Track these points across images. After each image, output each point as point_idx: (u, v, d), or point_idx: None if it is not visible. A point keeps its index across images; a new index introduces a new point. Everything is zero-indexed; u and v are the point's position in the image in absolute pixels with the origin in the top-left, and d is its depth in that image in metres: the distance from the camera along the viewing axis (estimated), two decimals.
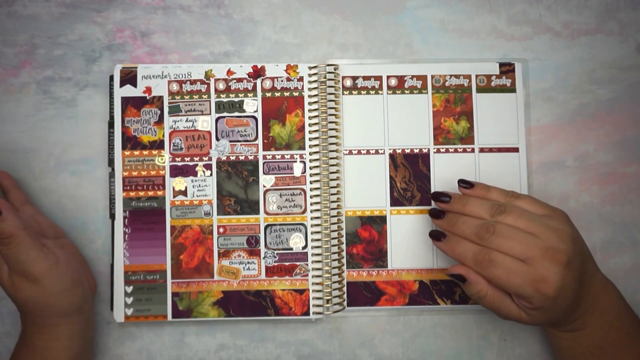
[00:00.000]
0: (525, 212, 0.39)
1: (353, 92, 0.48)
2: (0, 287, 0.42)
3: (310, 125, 0.47)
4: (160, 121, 0.47)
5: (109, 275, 0.47)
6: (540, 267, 0.37)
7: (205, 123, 0.47)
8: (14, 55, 0.48)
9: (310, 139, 0.47)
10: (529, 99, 0.48)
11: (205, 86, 0.48)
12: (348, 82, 0.48)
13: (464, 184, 0.43)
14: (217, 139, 0.47)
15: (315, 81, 0.47)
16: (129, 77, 0.47)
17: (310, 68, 0.48)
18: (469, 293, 0.40)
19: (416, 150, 0.48)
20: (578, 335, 0.41)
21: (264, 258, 0.46)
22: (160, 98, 0.47)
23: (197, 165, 0.47)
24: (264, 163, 0.47)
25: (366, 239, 0.47)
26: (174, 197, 0.47)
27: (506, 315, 0.40)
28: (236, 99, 0.48)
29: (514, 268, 0.37)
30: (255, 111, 0.48)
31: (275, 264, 0.46)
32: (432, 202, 0.44)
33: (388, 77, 0.48)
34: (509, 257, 0.37)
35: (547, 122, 0.49)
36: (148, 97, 0.47)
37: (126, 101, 0.47)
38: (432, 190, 0.46)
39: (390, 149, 0.48)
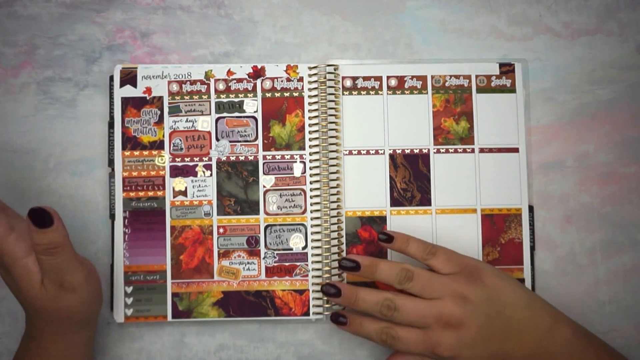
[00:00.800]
0: (433, 276, 0.41)
1: (353, 92, 0.48)
2: (25, 297, 0.40)
3: (310, 125, 0.47)
4: (160, 121, 0.47)
5: (109, 275, 0.47)
6: (434, 333, 0.40)
7: (205, 123, 0.47)
8: (14, 56, 0.48)
9: (310, 139, 0.47)
10: (529, 99, 0.48)
11: (205, 86, 0.48)
12: (348, 83, 0.48)
13: (383, 236, 0.43)
14: (217, 139, 0.47)
15: (315, 81, 0.47)
16: (129, 78, 0.47)
17: (310, 68, 0.48)
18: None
19: (416, 151, 0.48)
20: None
21: (264, 258, 0.47)
22: (160, 98, 0.47)
23: (197, 165, 0.47)
24: (264, 163, 0.47)
25: (366, 239, 0.47)
26: (174, 197, 0.47)
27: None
28: (236, 99, 0.48)
29: (412, 339, 0.40)
30: (255, 111, 0.48)
31: (275, 264, 0.46)
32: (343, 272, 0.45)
33: (388, 77, 0.48)
34: (408, 329, 0.41)
35: (547, 122, 0.49)
36: (148, 98, 0.47)
37: (126, 101, 0.47)
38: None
39: (390, 149, 0.48)
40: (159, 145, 0.47)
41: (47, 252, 0.37)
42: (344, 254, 0.47)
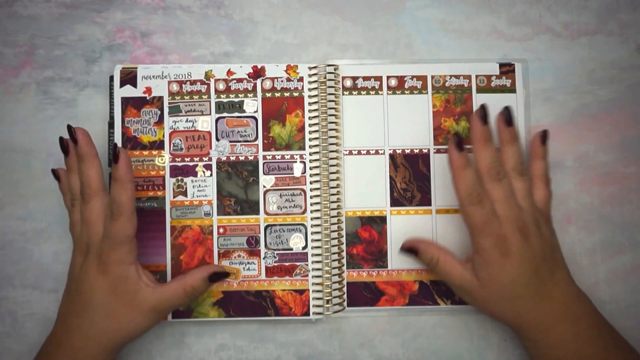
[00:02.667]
0: (531, 194, 0.42)
1: (353, 92, 0.48)
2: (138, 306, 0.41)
3: (310, 125, 0.47)
4: (160, 121, 0.47)
5: None
6: (510, 231, 0.40)
7: (205, 123, 0.47)
8: (14, 56, 0.48)
9: (310, 139, 0.47)
10: (529, 100, 0.48)
11: (205, 86, 0.48)
12: (348, 83, 0.48)
13: (506, 115, 0.42)
14: (217, 140, 0.47)
15: (315, 81, 0.47)
16: (129, 78, 0.47)
17: (310, 68, 0.48)
18: (422, 261, 0.44)
19: (416, 151, 0.48)
20: (554, 349, 0.40)
21: (264, 258, 0.47)
22: (160, 98, 0.47)
23: (197, 165, 0.47)
24: (264, 163, 0.47)
25: (366, 239, 0.47)
26: (174, 197, 0.47)
27: (459, 282, 0.42)
28: (236, 100, 0.48)
29: (490, 219, 0.40)
30: (255, 111, 0.48)
31: (275, 264, 0.46)
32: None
33: (388, 77, 0.48)
34: (491, 208, 0.40)
35: (547, 122, 0.49)
36: (148, 98, 0.47)
37: (126, 101, 0.47)
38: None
39: (390, 149, 0.48)
40: (159, 145, 0.47)
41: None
42: (344, 254, 0.47)
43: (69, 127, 0.41)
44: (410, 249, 0.45)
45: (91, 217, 0.41)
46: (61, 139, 0.42)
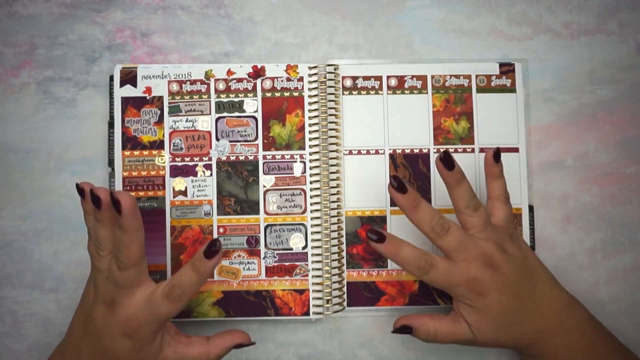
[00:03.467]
0: (468, 233, 0.40)
1: (353, 92, 0.48)
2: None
3: (310, 125, 0.47)
4: (160, 121, 0.47)
5: None
6: (472, 268, 0.39)
7: (205, 123, 0.47)
8: (14, 55, 0.48)
9: (310, 139, 0.47)
10: (529, 99, 0.48)
11: (205, 86, 0.48)
12: (348, 82, 0.48)
13: (445, 160, 0.40)
14: (217, 139, 0.47)
15: (315, 81, 0.47)
16: (129, 77, 0.47)
17: (310, 68, 0.48)
18: (421, 338, 0.41)
19: (416, 151, 0.48)
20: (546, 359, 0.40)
21: (264, 258, 0.46)
22: (160, 98, 0.47)
23: (197, 165, 0.47)
24: (264, 163, 0.47)
25: (366, 239, 0.47)
26: (174, 197, 0.47)
27: (463, 339, 0.40)
28: (236, 99, 0.48)
29: (451, 270, 0.39)
30: (255, 111, 0.48)
31: (275, 264, 0.46)
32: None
33: (388, 77, 0.48)
34: (446, 259, 0.39)
35: (547, 122, 0.49)
36: (148, 97, 0.47)
37: (126, 101, 0.47)
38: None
39: (390, 149, 0.48)
40: (159, 145, 0.47)
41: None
42: (344, 254, 0.47)
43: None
44: (404, 328, 0.41)
45: (126, 284, 0.37)
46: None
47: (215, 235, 0.47)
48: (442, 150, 0.43)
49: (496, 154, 0.42)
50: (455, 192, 0.40)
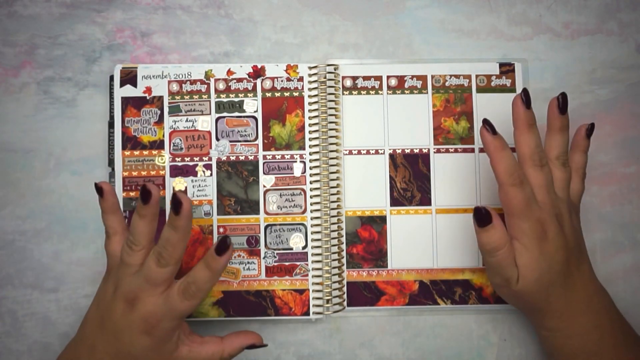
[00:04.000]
0: (568, 185, 0.42)
1: (353, 92, 0.48)
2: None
3: (310, 125, 0.47)
4: (160, 121, 0.47)
5: None
6: (548, 217, 0.39)
7: (205, 123, 0.47)
8: (14, 55, 0.48)
9: (310, 139, 0.47)
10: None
11: (205, 86, 0.48)
12: (348, 82, 0.48)
13: (561, 102, 0.41)
14: (217, 139, 0.47)
15: (315, 81, 0.47)
16: (129, 77, 0.47)
17: (310, 68, 0.48)
18: (486, 240, 0.39)
19: (416, 150, 0.48)
20: (574, 339, 0.41)
21: (264, 258, 0.46)
22: (160, 98, 0.47)
23: (197, 165, 0.47)
24: (264, 163, 0.47)
25: (366, 239, 0.47)
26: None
27: (508, 276, 0.39)
28: (236, 99, 0.48)
29: (531, 202, 0.39)
30: (255, 111, 0.48)
31: (275, 264, 0.46)
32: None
33: (388, 77, 0.48)
34: (531, 191, 0.39)
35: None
36: (148, 97, 0.47)
37: (126, 101, 0.47)
38: None
39: (390, 149, 0.48)
40: (159, 145, 0.47)
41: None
42: (344, 254, 0.47)
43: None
44: (485, 214, 0.39)
45: (157, 281, 0.38)
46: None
47: (215, 235, 0.47)
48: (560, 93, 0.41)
49: (589, 129, 0.43)
50: (555, 138, 0.41)
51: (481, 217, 0.39)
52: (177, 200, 0.36)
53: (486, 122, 0.39)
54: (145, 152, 0.47)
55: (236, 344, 0.41)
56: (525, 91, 0.40)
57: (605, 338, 0.40)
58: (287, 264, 0.46)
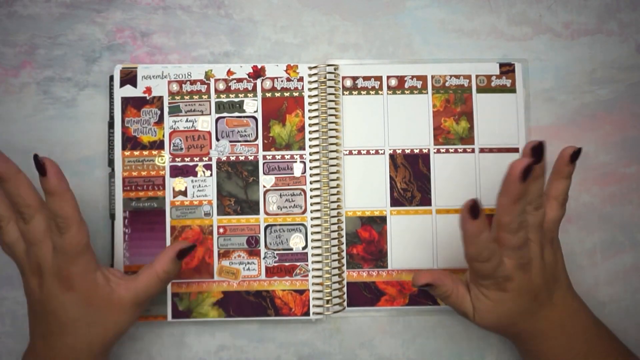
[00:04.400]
0: (542, 223, 0.40)
1: (353, 92, 0.48)
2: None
3: (310, 125, 0.47)
4: (160, 121, 0.47)
5: None
6: (511, 271, 0.38)
7: (205, 123, 0.47)
8: (14, 55, 0.48)
9: (310, 139, 0.47)
10: (529, 99, 0.48)
11: (205, 86, 0.48)
12: (348, 82, 0.48)
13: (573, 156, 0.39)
14: (217, 139, 0.47)
15: (315, 81, 0.47)
16: (129, 77, 0.47)
17: (310, 68, 0.48)
18: (435, 294, 0.41)
19: (416, 151, 0.48)
20: (548, 357, 0.40)
21: (264, 258, 0.46)
22: (160, 98, 0.47)
23: (197, 165, 0.47)
24: (264, 163, 0.47)
25: (366, 239, 0.47)
26: (174, 197, 0.47)
27: (463, 313, 0.41)
28: (236, 99, 0.48)
29: (496, 269, 0.38)
30: (255, 111, 0.48)
31: (275, 264, 0.46)
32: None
33: (388, 77, 0.48)
34: (499, 258, 0.38)
35: (547, 122, 0.49)
36: (148, 97, 0.47)
37: (126, 101, 0.47)
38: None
39: (390, 149, 0.48)
40: (159, 145, 0.47)
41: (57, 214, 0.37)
42: (344, 254, 0.47)
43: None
44: (426, 285, 0.40)
45: (36, 236, 0.38)
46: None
47: (215, 236, 0.47)
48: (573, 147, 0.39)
49: (575, 153, 0.39)
50: (559, 182, 0.39)
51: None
52: (40, 162, 0.36)
53: (472, 207, 0.36)
54: (145, 152, 0.47)
55: (165, 259, 0.40)
56: (527, 167, 0.35)
57: (579, 358, 0.40)
58: (287, 264, 0.46)
